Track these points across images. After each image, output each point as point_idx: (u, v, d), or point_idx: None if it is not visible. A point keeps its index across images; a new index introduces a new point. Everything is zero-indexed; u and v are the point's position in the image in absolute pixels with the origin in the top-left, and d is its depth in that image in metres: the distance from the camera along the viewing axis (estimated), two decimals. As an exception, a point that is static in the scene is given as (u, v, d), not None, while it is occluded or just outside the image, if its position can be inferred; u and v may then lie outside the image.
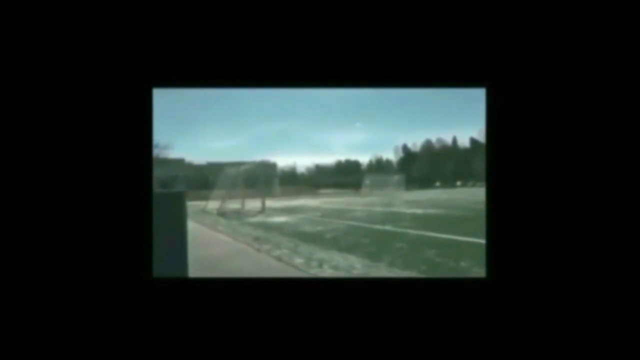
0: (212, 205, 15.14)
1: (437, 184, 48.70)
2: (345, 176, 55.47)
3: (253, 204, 15.20)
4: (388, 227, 6.17)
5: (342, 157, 71.49)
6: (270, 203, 16.92)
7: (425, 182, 47.34)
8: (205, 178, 35.62)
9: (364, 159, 73.06)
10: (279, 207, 15.05)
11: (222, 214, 11.98)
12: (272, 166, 34.16)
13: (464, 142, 62.35)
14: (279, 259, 3.77)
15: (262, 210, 13.26)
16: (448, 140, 64.29)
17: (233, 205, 14.81)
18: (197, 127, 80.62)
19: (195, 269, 2.81)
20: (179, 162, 41.85)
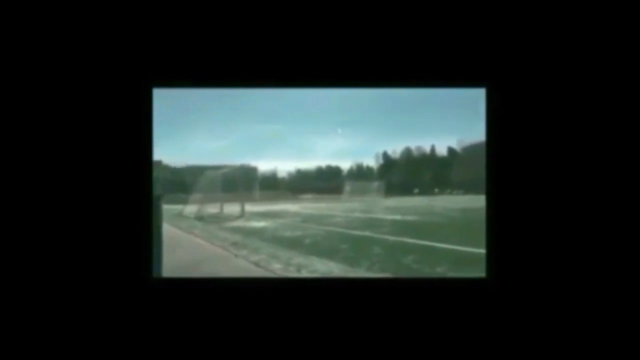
0: (190, 209, 14.82)
1: (416, 190, 49.63)
2: (326, 182, 55.63)
3: (232, 208, 14.96)
4: (367, 233, 6.22)
5: (324, 163, 71.74)
6: (250, 207, 16.71)
7: (404, 189, 48.16)
8: (183, 181, 34.80)
9: (345, 165, 73.59)
10: (259, 212, 14.89)
11: (199, 218, 11.78)
12: (252, 170, 33.79)
13: (442, 150, 64.05)
14: (257, 264, 3.72)
15: (242, 214, 13.07)
16: (427, 148, 65.87)
17: (211, 209, 14.53)
18: (177, 129, 78.89)
19: (170, 274, 2.72)
20: (156, 164, 40.71)
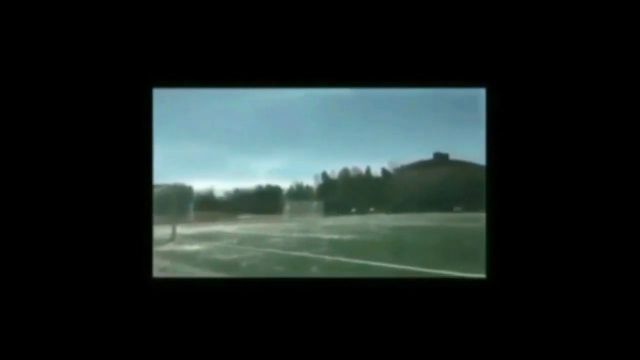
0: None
1: (354, 210, 51.34)
2: (266, 201, 54.64)
3: (163, 230, 13.81)
4: (305, 254, 6.19)
5: (264, 182, 70.64)
6: (182, 230, 15.62)
7: (342, 209, 49.43)
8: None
9: (285, 184, 73.40)
10: (192, 234, 14.00)
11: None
12: (187, 190, 31.85)
13: (376, 171, 67.70)
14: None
15: (172, 237, 12.12)
16: (362, 169, 69.05)
17: (138, 232, 13.14)
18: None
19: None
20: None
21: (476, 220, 15.12)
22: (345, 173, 73.96)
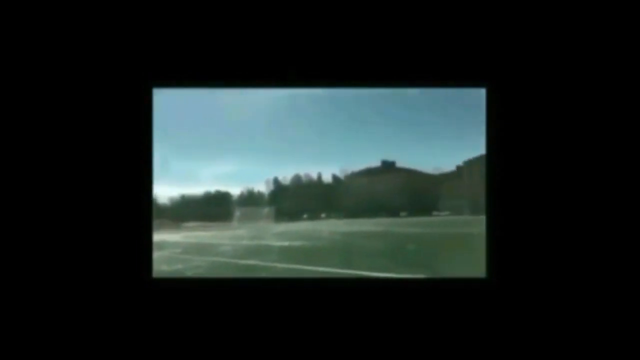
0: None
1: (305, 216, 51.50)
2: (214, 208, 52.59)
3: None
4: (254, 262, 6.01)
5: (212, 188, 67.98)
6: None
7: (294, 215, 49.35)
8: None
9: (235, 190, 71.38)
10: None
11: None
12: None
13: (327, 177, 68.78)
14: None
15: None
16: (314, 175, 69.75)
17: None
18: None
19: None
20: None
21: (420, 225, 15.98)
22: (297, 179, 73.85)
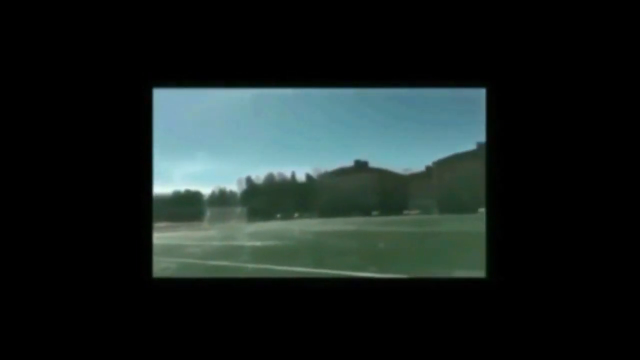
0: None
1: (279, 215, 51.14)
2: (184, 208, 51.03)
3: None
4: (224, 262, 5.90)
5: (182, 188, 65.96)
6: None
7: (267, 214, 48.88)
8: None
9: (207, 190, 69.63)
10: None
11: None
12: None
13: (301, 177, 68.66)
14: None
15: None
16: (288, 174, 69.39)
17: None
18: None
19: None
20: None
21: (391, 224, 16.35)
22: (270, 178, 73.25)
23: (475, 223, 13.60)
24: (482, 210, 35.96)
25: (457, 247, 6.61)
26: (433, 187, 46.27)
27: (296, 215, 51.17)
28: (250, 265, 5.62)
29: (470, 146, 48.45)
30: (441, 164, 47.77)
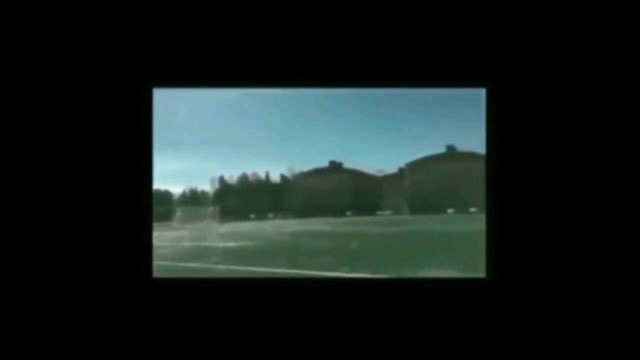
0: None
1: (252, 216, 50.44)
2: (153, 207, 48.96)
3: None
4: (194, 264, 5.73)
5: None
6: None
7: (240, 214, 48.08)
8: None
9: (177, 189, 67.45)
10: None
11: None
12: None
13: (275, 177, 68.12)
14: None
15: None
16: (262, 174, 68.62)
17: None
18: None
19: None
20: None
21: (364, 224, 16.57)
22: (244, 178, 72.20)
23: (444, 224, 14.07)
24: (451, 211, 37.26)
25: (427, 246, 6.81)
26: (405, 188, 47.40)
27: (270, 215, 50.71)
28: (222, 267, 5.50)
29: (440, 149, 50.06)
30: (414, 165, 49.04)
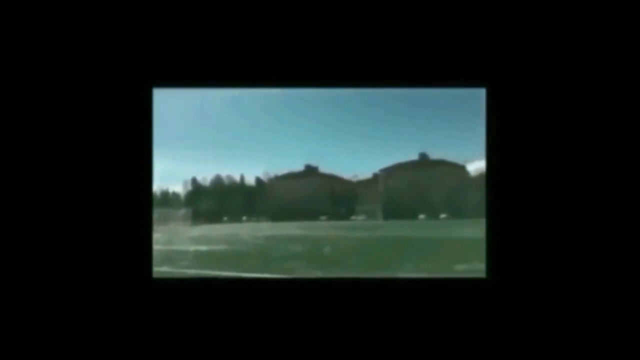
0: None
1: (225, 218, 49.39)
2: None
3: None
4: (164, 268, 5.53)
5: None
6: None
7: (213, 217, 46.95)
8: None
9: (147, 190, 64.60)
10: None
11: None
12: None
13: (250, 180, 67.23)
14: None
15: None
16: (236, 177, 67.48)
17: None
18: None
19: None
20: None
21: (338, 229, 16.68)
22: (218, 180, 70.75)
23: (415, 229, 14.43)
24: (422, 217, 38.25)
25: (399, 250, 6.96)
26: (379, 193, 48.24)
27: (244, 218, 49.86)
28: (192, 271, 5.36)
29: (413, 156, 51.42)
30: (388, 171, 50.04)
